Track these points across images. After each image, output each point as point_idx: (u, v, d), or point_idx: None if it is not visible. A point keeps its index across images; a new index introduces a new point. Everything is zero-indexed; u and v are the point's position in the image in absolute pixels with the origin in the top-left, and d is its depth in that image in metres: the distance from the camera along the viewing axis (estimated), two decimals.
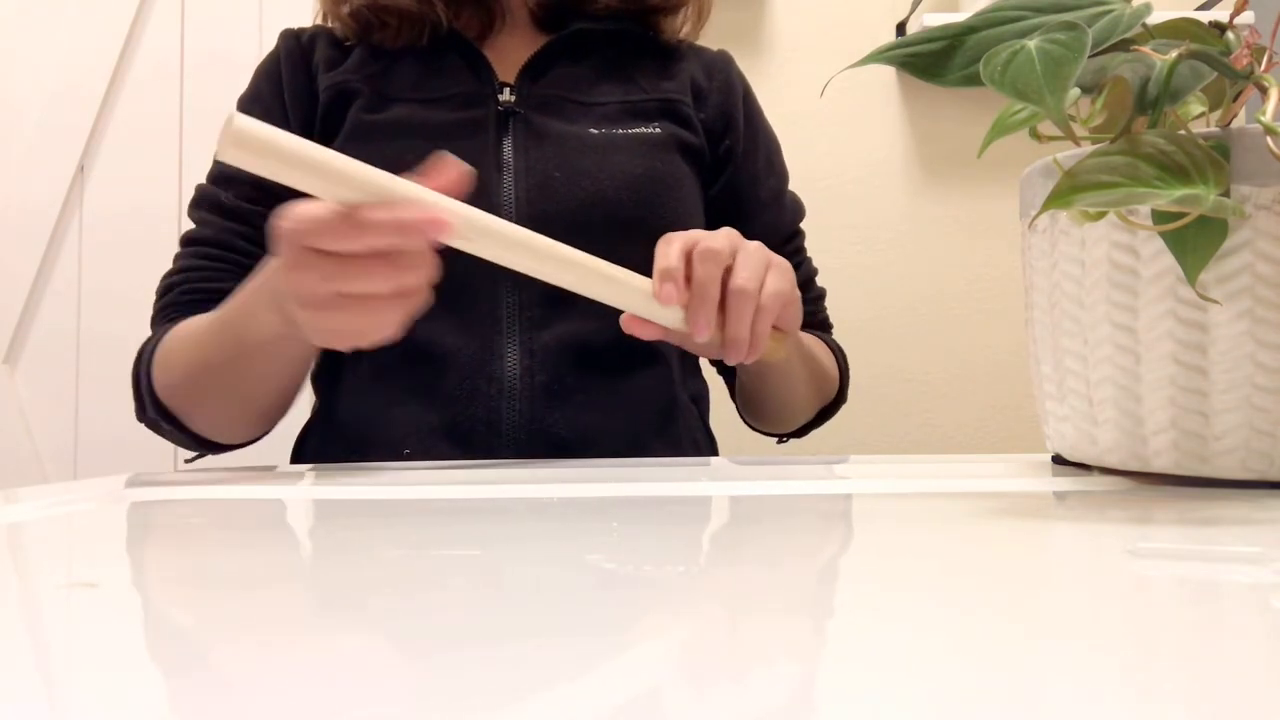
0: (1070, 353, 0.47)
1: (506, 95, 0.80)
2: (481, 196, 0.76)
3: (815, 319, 0.90)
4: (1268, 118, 0.40)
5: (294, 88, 0.83)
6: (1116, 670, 0.19)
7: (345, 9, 0.83)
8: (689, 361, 0.87)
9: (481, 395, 0.74)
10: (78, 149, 1.51)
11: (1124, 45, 0.44)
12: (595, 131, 0.80)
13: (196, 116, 1.52)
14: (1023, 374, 1.60)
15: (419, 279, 0.53)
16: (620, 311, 0.64)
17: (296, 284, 0.54)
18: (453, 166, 0.55)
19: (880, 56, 0.46)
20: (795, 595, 0.26)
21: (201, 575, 0.30)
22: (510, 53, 0.84)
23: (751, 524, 0.40)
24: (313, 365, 0.80)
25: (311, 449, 0.83)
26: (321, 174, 0.50)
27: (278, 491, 0.51)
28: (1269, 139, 0.40)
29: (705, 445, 0.86)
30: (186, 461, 0.82)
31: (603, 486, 0.50)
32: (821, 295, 0.93)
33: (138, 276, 1.53)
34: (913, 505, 0.41)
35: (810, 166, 1.64)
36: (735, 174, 0.88)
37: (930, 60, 0.45)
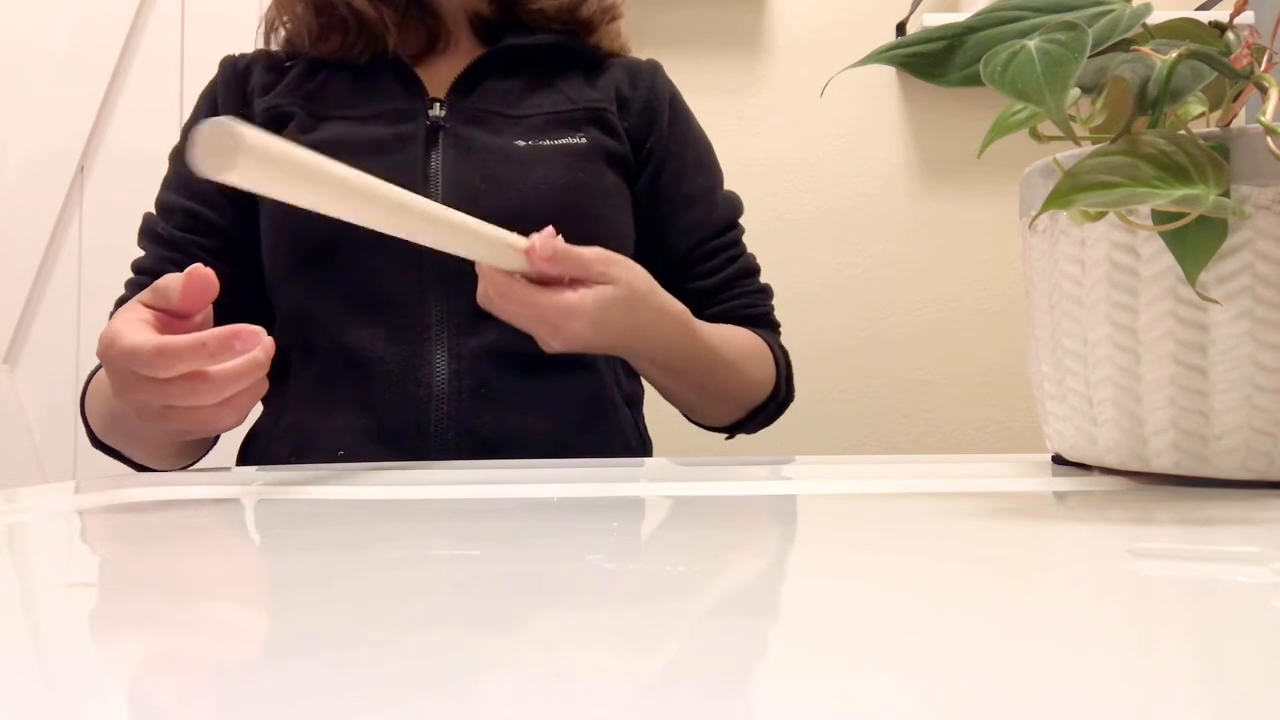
0: (1070, 353, 0.47)
1: (436, 110, 0.82)
2: None
3: (755, 312, 0.90)
4: (1268, 118, 0.40)
5: (229, 109, 0.84)
6: (1116, 670, 0.19)
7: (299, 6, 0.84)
8: (624, 365, 0.88)
9: (410, 399, 0.76)
10: (78, 149, 1.51)
11: (1124, 45, 0.44)
12: (522, 144, 0.81)
13: None
14: (1023, 374, 1.60)
15: (243, 385, 0.55)
16: None
17: (130, 401, 0.56)
18: (196, 282, 0.56)
19: (880, 56, 0.46)
20: (794, 595, 0.26)
21: (202, 575, 0.30)
22: (442, 69, 0.85)
23: (750, 524, 0.40)
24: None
25: (256, 452, 0.84)
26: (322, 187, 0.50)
27: (278, 493, 0.51)
28: (1269, 139, 0.40)
29: (637, 446, 0.87)
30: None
31: (607, 487, 0.50)
32: (763, 290, 0.92)
33: None
34: (913, 505, 0.41)
35: (810, 167, 1.64)
36: (659, 170, 0.89)
37: (930, 60, 0.45)
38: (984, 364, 1.63)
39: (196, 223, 0.83)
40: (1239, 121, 0.46)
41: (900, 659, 0.20)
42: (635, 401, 0.90)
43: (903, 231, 1.64)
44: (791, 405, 0.92)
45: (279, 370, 0.83)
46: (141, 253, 0.85)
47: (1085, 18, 0.43)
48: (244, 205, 0.83)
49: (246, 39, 1.52)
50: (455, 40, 0.88)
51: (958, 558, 0.31)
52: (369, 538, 0.37)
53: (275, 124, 0.82)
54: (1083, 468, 0.51)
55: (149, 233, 0.85)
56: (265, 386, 0.57)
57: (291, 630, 0.23)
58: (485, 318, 0.77)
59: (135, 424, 0.70)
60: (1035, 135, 0.47)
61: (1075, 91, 0.44)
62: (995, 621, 0.23)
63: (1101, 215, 0.44)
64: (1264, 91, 0.42)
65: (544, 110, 0.84)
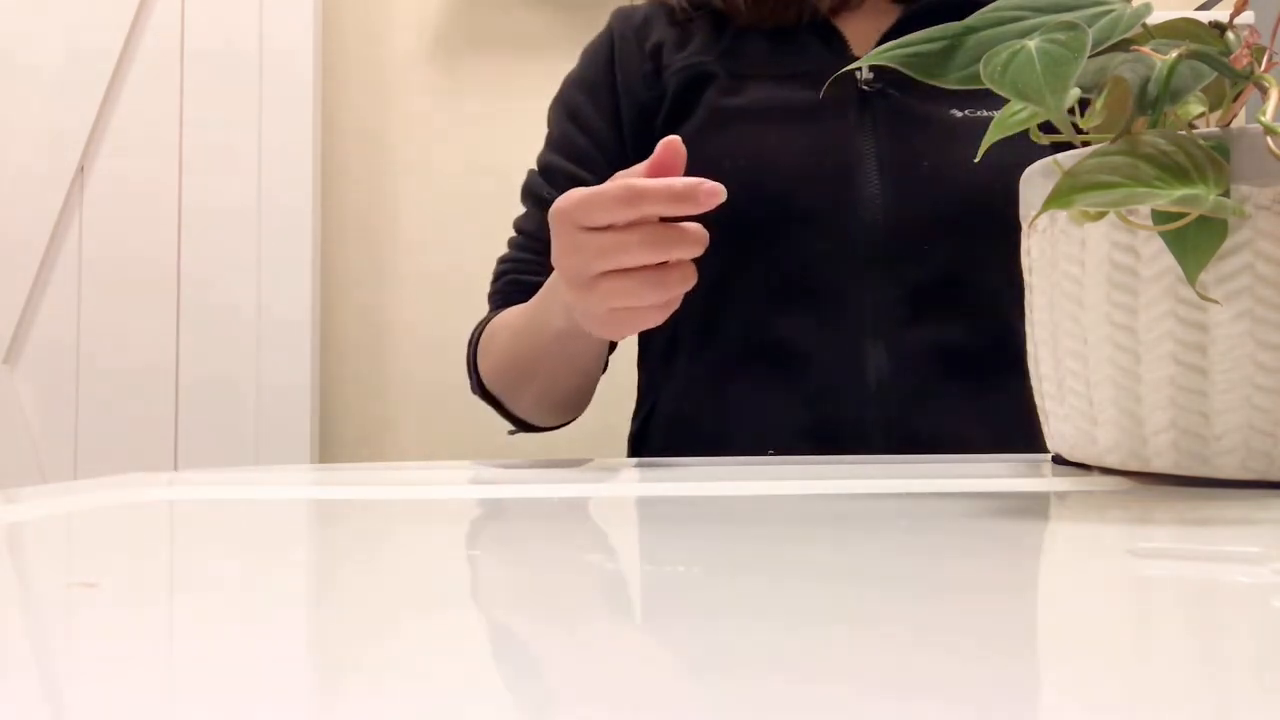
0: (1070, 353, 0.47)
1: (864, 72, 0.75)
2: (845, 189, 0.73)
3: None
4: (1268, 118, 0.40)
5: (628, 69, 0.80)
6: (1117, 670, 0.19)
7: None
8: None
9: (847, 397, 0.72)
10: (78, 149, 1.51)
11: (1124, 45, 0.44)
12: (958, 114, 0.74)
13: (196, 116, 1.52)
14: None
15: (683, 254, 0.54)
16: (993, 316, 0.67)
17: (567, 266, 0.57)
18: (670, 150, 0.55)
19: (880, 56, 0.46)
20: (792, 595, 0.26)
21: (203, 576, 0.30)
22: (861, 24, 0.79)
23: (748, 524, 0.40)
24: (603, 363, 0.80)
25: (656, 443, 0.80)
26: None
27: (280, 493, 0.51)
28: (1269, 139, 0.40)
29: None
30: (509, 433, 0.84)
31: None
32: None
33: (137, 276, 1.53)
34: (913, 505, 0.41)
35: None
36: None
37: (930, 60, 0.45)
38: None
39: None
40: (1239, 121, 0.46)
41: (897, 658, 0.20)
42: None
43: None
44: None
45: (668, 353, 0.81)
46: (523, 210, 0.84)
47: (1085, 18, 0.42)
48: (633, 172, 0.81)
49: (247, 39, 1.52)
50: None
51: (957, 558, 0.31)
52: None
53: (695, 84, 0.77)
54: (1083, 468, 0.51)
55: (532, 194, 0.83)
56: (694, 278, 0.55)
57: (294, 634, 0.23)
58: (924, 311, 0.72)
59: (537, 362, 0.71)
60: (1035, 135, 0.47)
61: (1075, 91, 0.44)
62: (995, 621, 0.23)
63: (1101, 215, 0.44)
64: (1264, 91, 0.42)
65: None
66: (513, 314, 0.76)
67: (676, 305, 0.57)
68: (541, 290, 0.70)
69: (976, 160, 0.50)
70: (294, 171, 1.50)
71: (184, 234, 1.51)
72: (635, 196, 0.52)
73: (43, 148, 1.52)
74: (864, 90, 0.75)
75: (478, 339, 0.80)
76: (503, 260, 0.85)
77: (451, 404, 1.47)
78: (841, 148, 0.74)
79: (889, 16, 0.79)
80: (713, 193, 0.51)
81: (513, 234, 0.85)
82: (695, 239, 0.54)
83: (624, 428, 0.87)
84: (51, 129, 1.52)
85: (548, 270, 0.76)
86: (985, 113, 0.75)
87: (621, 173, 0.57)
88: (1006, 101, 0.74)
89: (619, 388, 0.90)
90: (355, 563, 0.32)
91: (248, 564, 0.32)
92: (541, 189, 0.81)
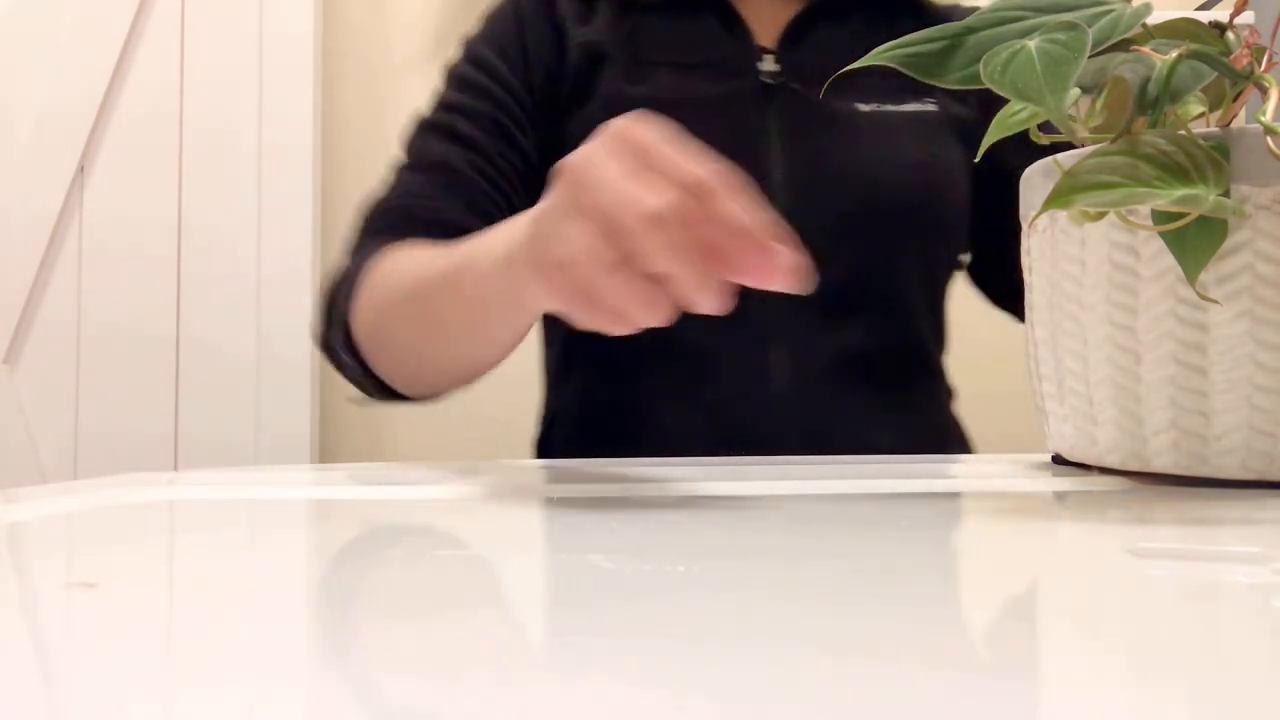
0: (1070, 352, 0.47)
1: (768, 64, 0.73)
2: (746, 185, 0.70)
3: None
4: (1268, 118, 0.40)
5: (537, 33, 0.76)
6: (1117, 670, 0.19)
7: None
8: (943, 367, 0.81)
9: (754, 402, 0.70)
10: (78, 149, 1.51)
11: (1124, 45, 0.44)
12: (864, 108, 0.73)
13: (196, 116, 1.52)
14: (1022, 374, 1.59)
15: (698, 291, 0.42)
16: (902, 319, 0.66)
17: (584, 183, 0.41)
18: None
19: (880, 56, 0.46)
20: (791, 595, 0.26)
21: (203, 576, 0.30)
22: (764, 13, 0.76)
23: (749, 524, 0.40)
24: (511, 350, 0.66)
25: (561, 445, 0.77)
26: None
27: (280, 493, 0.51)
28: (1269, 139, 0.40)
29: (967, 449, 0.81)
30: (349, 399, 0.73)
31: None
32: None
33: (138, 276, 1.53)
34: (913, 505, 0.41)
35: None
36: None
37: (930, 60, 0.45)
38: (984, 364, 1.62)
39: (499, 130, 0.73)
40: (1239, 121, 0.46)
41: (898, 658, 0.20)
42: (951, 395, 0.81)
43: None
44: None
45: (569, 354, 0.76)
46: (415, 150, 0.75)
47: (1085, 18, 0.42)
48: (519, 165, 0.73)
49: (246, 40, 1.52)
50: None
51: (958, 558, 0.31)
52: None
53: (590, 64, 0.73)
54: (1083, 468, 0.51)
55: (440, 130, 0.74)
56: (661, 320, 0.43)
57: (294, 633, 0.23)
58: (833, 318, 0.70)
59: (436, 319, 0.58)
60: (1035, 135, 0.47)
61: (1075, 91, 0.44)
62: (995, 620, 0.23)
63: (1101, 215, 0.44)
64: (1264, 91, 0.42)
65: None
66: (420, 255, 0.62)
67: (623, 331, 0.44)
68: (480, 243, 0.54)
69: (977, 160, 0.49)
70: (294, 172, 1.50)
71: (183, 234, 1.51)
72: (706, 190, 0.39)
73: (43, 148, 1.52)
74: (767, 84, 0.73)
75: (354, 279, 0.67)
76: (385, 198, 0.73)
77: (451, 404, 1.47)
78: (743, 144, 0.69)
79: (792, 6, 0.76)
80: (780, 270, 0.40)
81: (392, 177, 0.75)
82: (715, 293, 0.42)
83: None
84: (51, 130, 1.52)
85: (459, 204, 0.69)
86: (891, 107, 0.73)
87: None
88: (914, 96, 0.72)
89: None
90: (355, 562, 0.32)
91: (248, 564, 0.32)
92: (455, 123, 0.73)
